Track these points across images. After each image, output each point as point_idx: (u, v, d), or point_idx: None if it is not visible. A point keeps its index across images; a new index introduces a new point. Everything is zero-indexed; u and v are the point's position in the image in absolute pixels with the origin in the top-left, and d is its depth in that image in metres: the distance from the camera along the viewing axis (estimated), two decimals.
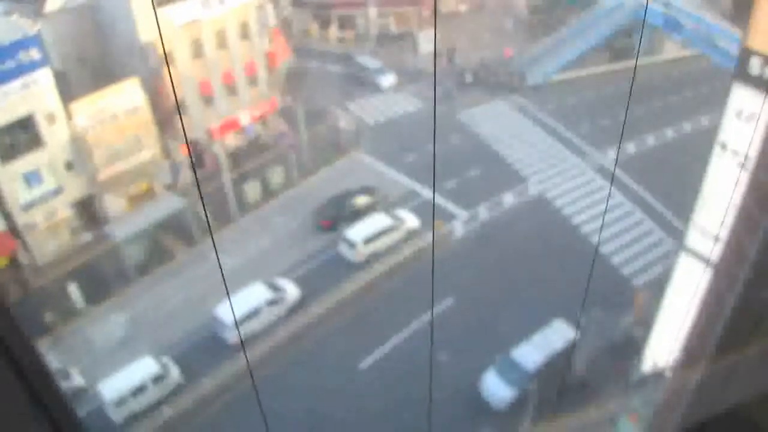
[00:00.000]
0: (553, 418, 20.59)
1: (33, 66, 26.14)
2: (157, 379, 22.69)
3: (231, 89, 33.26)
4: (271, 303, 25.13)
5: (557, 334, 23.12)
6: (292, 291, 26.07)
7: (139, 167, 29.63)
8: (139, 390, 22.33)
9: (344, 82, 40.78)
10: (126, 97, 28.58)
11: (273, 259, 28.39)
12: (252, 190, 31.67)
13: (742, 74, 11.65)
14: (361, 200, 30.54)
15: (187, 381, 23.13)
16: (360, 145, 35.26)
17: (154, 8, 3.59)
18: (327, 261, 28.48)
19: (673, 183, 29.38)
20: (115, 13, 30.02)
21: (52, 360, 23.42)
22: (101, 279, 27.36)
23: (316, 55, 43.26)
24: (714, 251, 10.79)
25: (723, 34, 33.49)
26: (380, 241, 27.97)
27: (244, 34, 32.88)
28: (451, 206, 30.67)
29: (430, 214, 29.66)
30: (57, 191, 28.10)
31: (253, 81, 34.18)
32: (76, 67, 30.46)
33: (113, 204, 29.57)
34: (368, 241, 27.75)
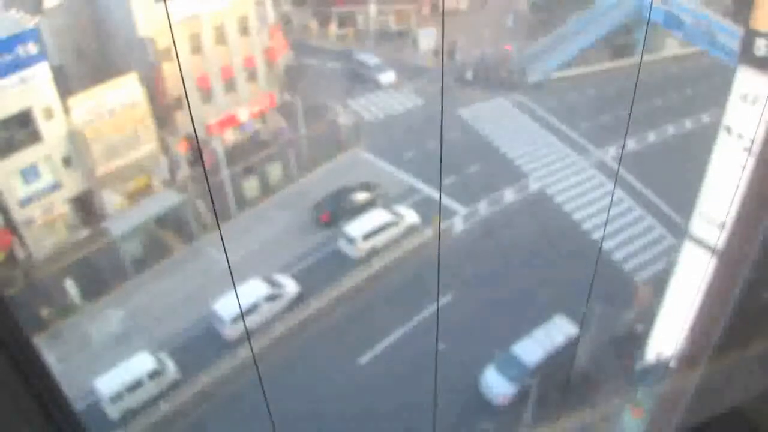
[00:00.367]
0: (555, 414, 20.40)
1: (30, 60, 25.98)
2: (154, 374, 22.48)
3: (230, 85, 33.10)
4: (270, 299, 24.93)
5: (558, 330, 22.93)
6: (290, 286, 25.88)
7: (137, 163, 29.46)
8: (136, 386, 22.12)
9: (344, 79, 40.64)
10: (124, 92, 28.42)
11: (272, 255, 28.20)
12: (251, 186, 31.49)
13: (747, 56, 11.45)
14: (360, 196, 30.37)
15: (184, 376, 22.92)
16: (359, 141, 35.09)
17: (165, 5, 3.43)
18: (326, 257, 28.30)
19: (674, 179, 29.21)
20: (113, 7, 29.89)
21: (48, 355, 23.23)
22: (98, 275, 27.16)
23: (316, 51, 43.13)
24: (719, 238, 10.62)
25: (723, 30, 33.36)
26: (380, 236, 27.79)
27: (243, 29, 32.74)
28: (450, 202, 30.48)
29: (430, 210, 29.49)
30: (54, 186, 27.92)
31: (252, 77, 34.03)
32: (74, 62, 30.35)
33: (111, 199, 29.38)
34: (368, 236, 27.57)
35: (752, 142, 10.38)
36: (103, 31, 31.05)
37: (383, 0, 44.52)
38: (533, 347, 22.51)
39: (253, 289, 24.81)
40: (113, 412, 21.84)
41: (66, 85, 27.98)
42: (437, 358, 22.01)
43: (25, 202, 27.16)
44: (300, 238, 29.38)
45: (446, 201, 30.45)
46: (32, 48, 25.96)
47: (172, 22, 4.48)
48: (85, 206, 29.19)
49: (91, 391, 22.11)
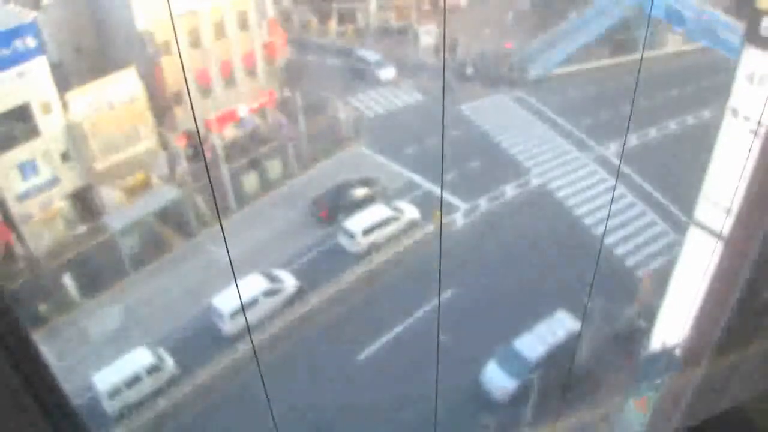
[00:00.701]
0: (556, 409, 20.20)
1: (28, 54, 25.80)
2: (152, 370, 22.29)
3: (229, 80, 32.94)
4: (269, 294, 24.74)
5: (559, 325, 22.75)
6: (290, 282, 25.69)
7: (136, 158, 29.29)
8: (134, 381, 21.93)
9: (344, 75, 40.50)
10: (123, 87, 28.24)
11: (271, 251, 28.02)
12: (250, 181, 31.32)
13: (752, 36, 11.26)
14: (359, 192, 30.19)
15: (183, 372, 22.73)
16: (359, 137, 34.93)
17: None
18: (326, 252, 28.13)
19: (676, 175, 29.05)
20: (112, 2, 29.74)
21: (46, 351, 23.04)
22: (97, 270, 26.99)
23: (316, 48, 42.99)
24: (725, 222, 10.46)
25: (725, 26, 33.16)
26: (380, 231, 27.61)
27: (243, 24, 32.58)
28: (451, 198, 30.31)
29: (430, 205, 29.30)
30: (53, 182, 27.74)
31: (251, 72, 33.87)
32: (73, 57, 30.19)
33: (109, 195, 29.20)
34: (367, 231, 27.39)
35: (759, 124, 10.22)
36: (102, 25, 30.90)
37: None
38: (535, 342, 22.34)
39: (252, 284, 24.62)
40: (111, 407, 21.65)
41: (64, 79, 27.79)
42: (438, 353, 21.83)
43: (23, 197, 26.98)
44: (300, 234, 29.21)
45: (447, 196, 30.28)
46: (30, 42, 25.79)
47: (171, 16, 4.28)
48: (84, 202, 29.01)
49: (89, 387, 21.92)
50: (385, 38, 44.08)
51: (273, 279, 25.47)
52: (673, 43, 41.80)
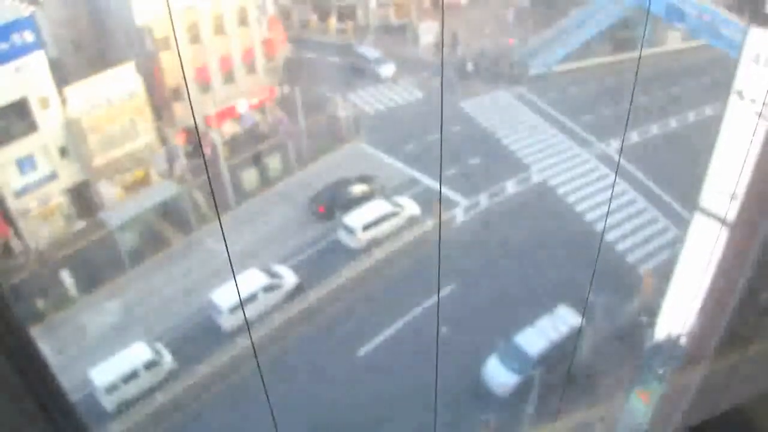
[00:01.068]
0: (557, 404, 20.01)
1: (26, 49, 25.68)
2: (150, 365, 22.10)
3: (228, 76, 32.81)
4: (268, 289, 24.57)
5: (561, 320, 22.56)
6: (289, 277, 25.52)
7: (135, 154, 29.15)
8: (131, 376, 21.74)
9: (344, 72, 40.35)
10: (122, 82, 28.10)
11: (270, 246, 27.87)
12: (249, 177, 31.17)
13: (757, 16, 11.10)
14: (358, 188, 30.01)
15: (181, 367, 22.54)
16: (359, 134, 34.78)
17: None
18: (326, 248, 27.96)
19: (677, 171, 28.88)
20: None
21: (44, 347, 22.86)
22: (95, 266, 26.83)
23: (316, 45, 42.86)
24: (729, 206, 10.30)
25: (726, 22, 33.03)
26: (380, 227, 27.44)
27: (243, 20, 32.46)
28: (452, 193, 30.15)
29: (431, 201, 29.13)
30: (51, 177, 27.61)
31: (251, 68, 33.74)
32: (72, 52, 30.06)
33: (108, 191, 29.05)
34: (367, 227, 27.21)
35: (764, 105, 10.05)
36: (101, 20, 30.77)
37: None
38: (536, 337, 22.15)
39: (251, 280, 24.42)
40: (109, 403, 21.46)
41: (63, 74, 27.67)
42: (438, 349, 21.73)
43: (21, 192, 26.85)
44: (299, 230, 29.05)
45: (447, 192, 30.12)
46: (28, 36, 25.67)
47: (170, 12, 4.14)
48: (82, 197, 28.87)
49: (87, 383, 21.73)
50: (385, 35, 43.97)
51: (272, 275, 25.30)
52: (674, 41, 41.69)
